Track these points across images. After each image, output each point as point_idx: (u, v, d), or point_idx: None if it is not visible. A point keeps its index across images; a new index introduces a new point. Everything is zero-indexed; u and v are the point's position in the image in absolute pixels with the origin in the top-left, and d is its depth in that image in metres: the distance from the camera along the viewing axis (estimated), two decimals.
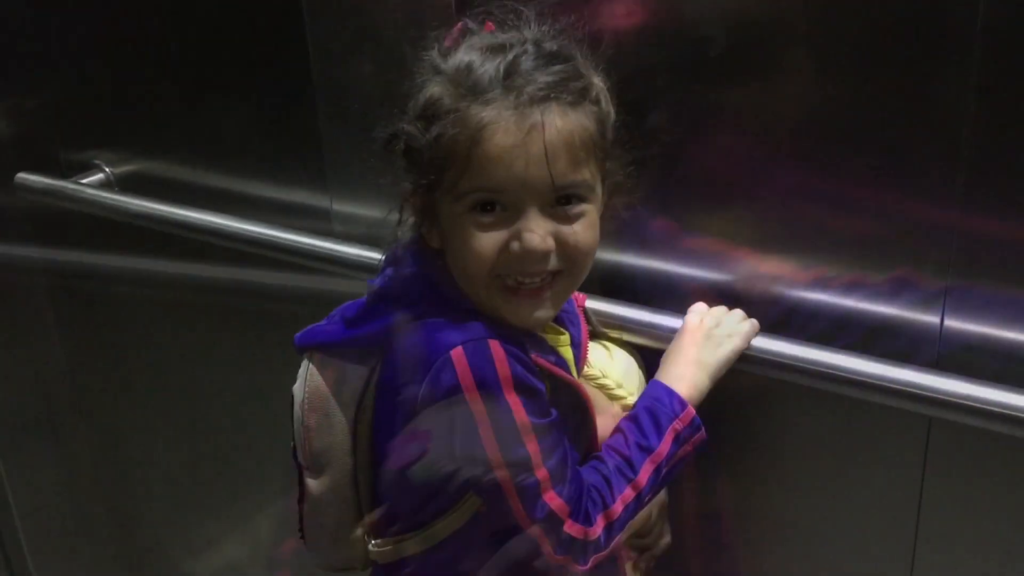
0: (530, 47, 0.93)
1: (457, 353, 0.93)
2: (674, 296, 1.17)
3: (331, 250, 1.37)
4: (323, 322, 1.06)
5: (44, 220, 1.81)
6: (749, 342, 1.08)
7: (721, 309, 1.11)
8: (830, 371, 1.05)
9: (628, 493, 1.00)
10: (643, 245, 1.20)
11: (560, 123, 0.90)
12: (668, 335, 1.11)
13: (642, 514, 1.08)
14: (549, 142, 0.90)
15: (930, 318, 1.06)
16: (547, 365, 0.98)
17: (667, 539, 1.21)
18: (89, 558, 2.16)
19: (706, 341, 1.08)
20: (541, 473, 0.95)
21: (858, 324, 1.09)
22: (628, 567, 1.16)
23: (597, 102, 0.95)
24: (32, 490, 2.04)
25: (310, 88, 1.35)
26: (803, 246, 1.11)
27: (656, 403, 1.04)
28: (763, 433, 1.22)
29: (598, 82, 0.96)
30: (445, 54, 0.95)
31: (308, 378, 1.05)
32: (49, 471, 2.06)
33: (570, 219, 0.94)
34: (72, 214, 1.67)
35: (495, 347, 0.93)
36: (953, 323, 1.05)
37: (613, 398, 1.11)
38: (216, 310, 1.71)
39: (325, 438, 1.04)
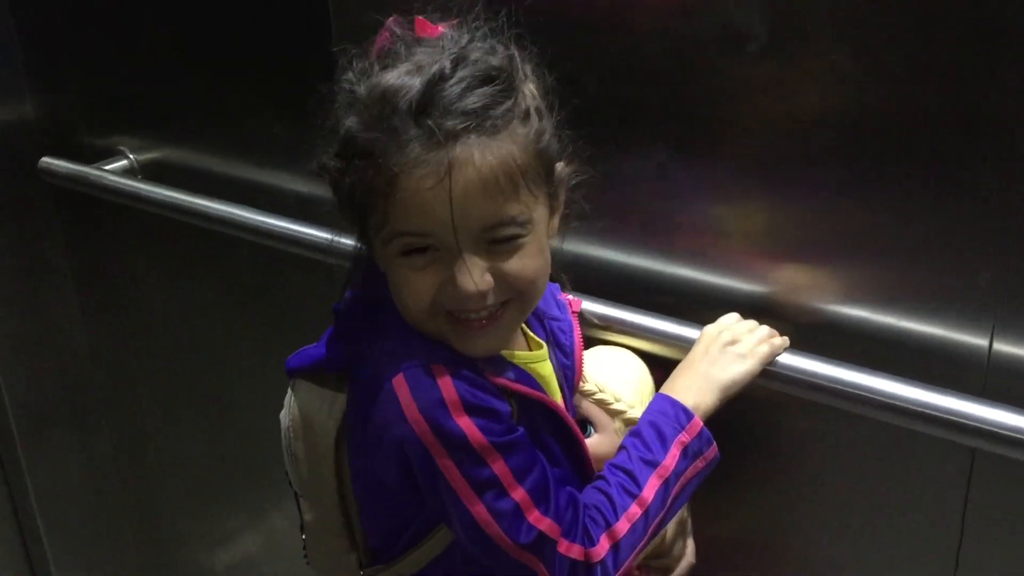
0: (448, 64, 0.85)
1: (398, 381, 0.89)
2: (709, 307, 1.10)
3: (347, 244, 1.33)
4: (312, 345, 1.02)
5: (71, 208, 1.82)
6: (765, 365, 1.02)
7: (745, 325, 1.05)
8: (863, 394, 0.98)
9: (634, 510, 0.94)
10: (675, 252, 1.14)
11: (479, 160, 0.83)
12: (687, 346, 1.05)
13: None
14: (467, 183, 0.83)
15: (978, 341, 0.98)
16: (505, 383, 0.93)
17: (689, 559, 1.14)
18: (109, 548, 2.15)
19: (720, 356, 1.02)
20: (518, 494, 0.89)
21: (901, 344, 1.02)
22: None
23: (526, 119, 0.87)
24: (53, 480, 2.03)
25: (331, 80, 1.32)
26: (845, 258, 1.04)
27: (660, 415, 0.98)
28: (795, 454, 1.16)
29: (530, 91, 0.89)
30: (362, 76, 0.88)
31: (291, 405, 1.03)
32: (71, 461, 2.05)
33: (509, 252, 0.88)
34: (98, 202, 1.66)
35: (438, 371, 0.89)
36: (1002, 347, 0.97)
37: (613, 413, 1.05)
38: (241, 301, 1.70)
39: (311, 466, 1.02)
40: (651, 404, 1.00)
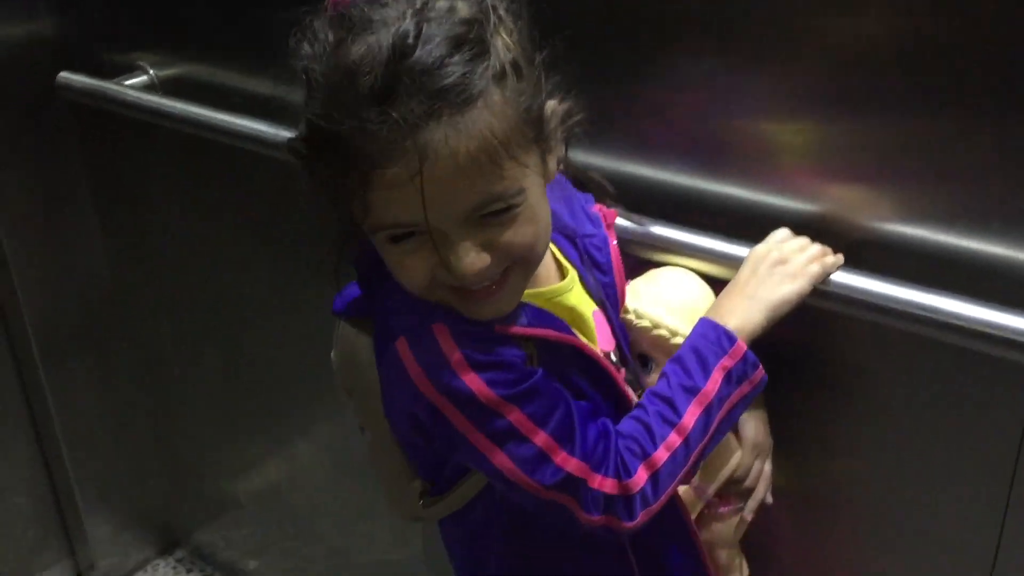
0: (412, 29, 0.77)
1: (401, 344, 0.88)
2: (760, 226, 1.06)
3: None
4: (356, 286, 0.99)
5: (89, 126, 1.79)
6: (815, 284, 0.98)
7: (796, 243, 1.01)
8: (923, 313, 0.94)
9: (673, 439, 0.92)
10: (722, 168, 1.10)
11: (454, 144, 0.77)
12: (736, 266, 1.02)
13: (729, 452, 1.03)
14: (443, 169, 0.78)
15: None
16: (518, 330, 0.90)
17: (767, 481, 1.13)
18: (132, 475, 2.17)
19: (768, 276, 0.98)
20: (540, 438, 0.88)
21: (961, 264, 0.98)
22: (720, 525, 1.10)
23: (503, 77, 0.80)
24: (75, 406, 2.04)
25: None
26: (902, 175, 0.99)
27: (701, 339, 0.95)
28: (844, 388, 1.12)
29: (503, 44, 0.81)
30: (323, 54, 0.81)
31: (340, 343, 1.01)
32: (93, 388, 2.06)
33: (501, 226, 0.83)
34: (117, 118, 1.63)
35: (439, 330, 0.87)
36: None
37: (672, 349, 1.00)
38: (262, 222, 1.67)
39: (362, 400, 1.01)
40: (695, 328, 0.97)
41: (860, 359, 1.10)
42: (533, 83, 0.83)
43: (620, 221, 1.08)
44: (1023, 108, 0.90)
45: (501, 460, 0.88)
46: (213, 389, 1.98)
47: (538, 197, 0.86)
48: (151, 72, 1.65)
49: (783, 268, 0.98)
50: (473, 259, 0.83)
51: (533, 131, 0.83)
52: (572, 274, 0.99)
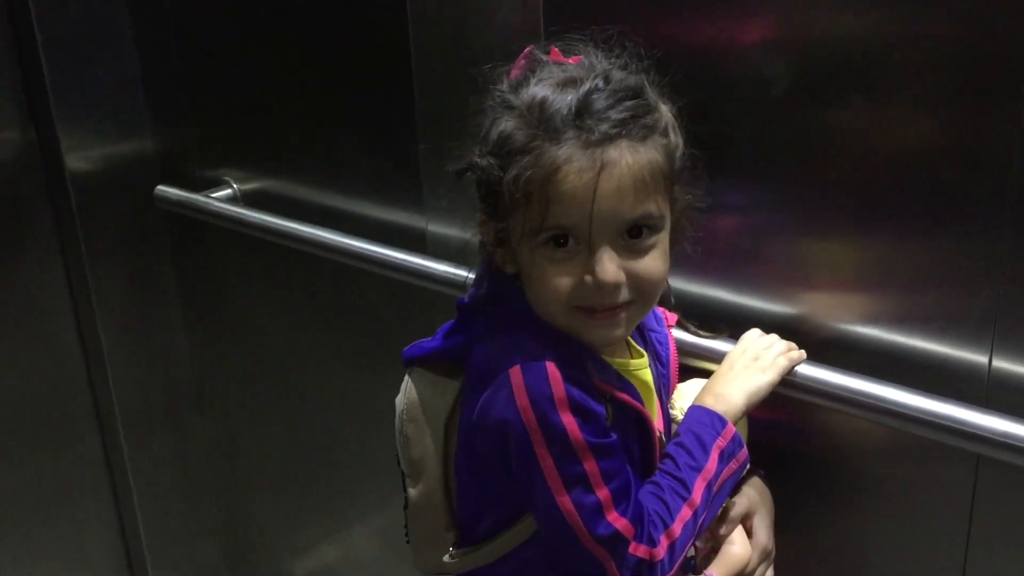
0: (600, 82, 0.95)
1: (515, 372, 0.97)
2: (727, 324, 1.21)
3: (422, 266, 1.47)
4: (427, 339, 1.12)
5: (180, 231, 1.98)
6: (783, 375, 1.12)
7: (767, 340, 1.15)
8: (873, 402, 1.08)
9: (685, 512, 1.01)
10: (702, 272, 1.26)
11: (630, 159, 0.93)
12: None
13: (741, 558, 1.11)
14: (620, 179, 0.93)
15: (979, 357, 1.08)
16: (609, 389, 1.01)
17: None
18: (199, 548, 2.28)
19: (743, 370, 1.11)
20: (602, 493, 0.96)
21: (908, 359, 1.13)
22: None
23: (665, 134, 0.97)
24: (152, 480, 2.17)
25: (412, 120, 1.46)
26: (859, 283, 1.15)
27: (698, 424, 1.07)
28: (809, 459, 1.26)
29: (666, 112, 0.99)
30: (516, 87, 0.98)
31: (407, 390, 1.12)
32: (169, 463, 2.18)
33: (641, 252, 0.97)
34: (204, 226, 1.83)
35: (551, 368, 0.96)
36: (1001, 363, 1.07)
37: None
38: (326, 318, 1.82)
39: (420, 448, 1.10)
40: (688, 414, 1.10)
41: (834, 447, 1.23)
42: (683, 153, 1.00)
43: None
44: (954, 224, 1.06)
45: (565, 501, 0.96)
46: (277, 472, 2.09)
47: (666, 244, 1.00)
48: (235, 186, 1.83)
49: (756, 363, 1.13)
50: (615, 271, 0.95)
51: (674, 185, 0.99)
52: (646, 356, 1.12)
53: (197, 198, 1.81)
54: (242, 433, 2.14)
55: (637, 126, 0.94)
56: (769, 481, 1.20)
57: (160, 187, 1.86)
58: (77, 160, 1.89)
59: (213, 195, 1.82)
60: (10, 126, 1.87)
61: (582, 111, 0.94)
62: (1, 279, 1.94)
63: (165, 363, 2.12)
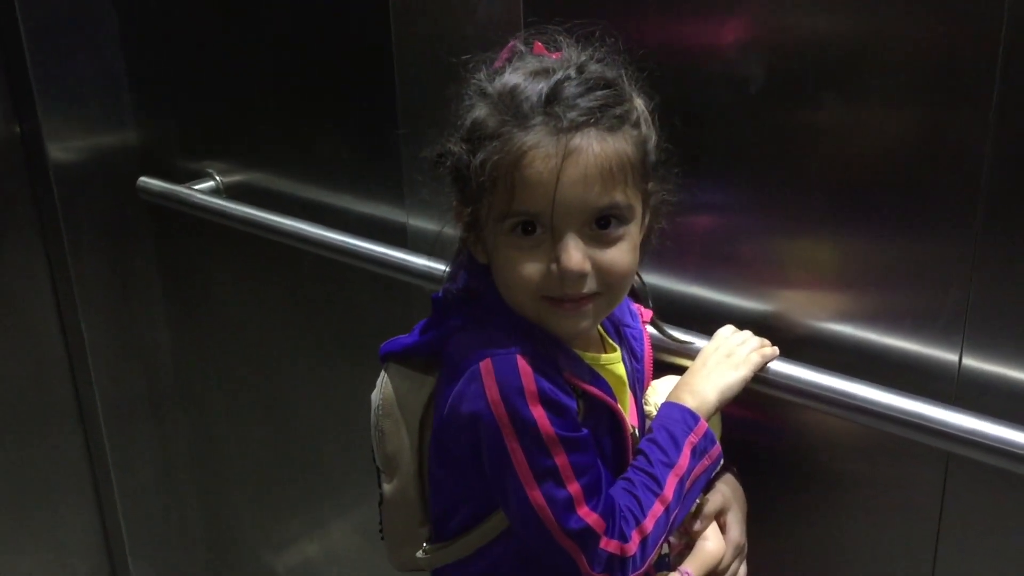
0: (573, 72, 0.95)
1: (486, 365, 0.97)
2: (702, 320, 1.22)
3: (402, 260, 1.48)
4: (404, 335, 1.12)
5: (163, 223, 1.99)
6: (756, 371, 1.12)
7: (740, 336, 1.16)
8: (844, 399, 1.09)
9: (657, 508, 1.02)
10: (677, 269, 1.27)
11: (598, 148, 0.93)
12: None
13: (715, 555, 1.12)
14: (586, 166, 0.93)
15: (949, 356, 1.09)
16: (580, 383, 1.01)
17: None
18: (179, 542, 2.28)
19: (716, 366, 1.12)
20: (573, 488, 0.97)
21: (880, 358, 1.13)
22: None
23: (637, 125, 0.97)
24: (134, 472, 2.17)
25: (394, 113, 1.47)
26: (832, 281, 1.16)
27: (670, 420, 1.07)
28: (783, 455, 1.27)
29: (640, 105, 0.99)
30: (492, 76, 0.98)
31: (383, 386, 1.12)
32: (150, 456, 2.19)
33: (608, 242, 0.96)
34: (187, 217, 1.83)
35: (521, 361, 0.97)
36: (970, 361, 1.08)
37: None
38: (306, 312, 1.83)
39: (395, 442, 1.11)
40: (661, 410, 1.10)
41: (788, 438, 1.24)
42: (654, 146, 1.00)
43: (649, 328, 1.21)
44: (924, 223, 1.07)
45: (536, 496, 0.96)
46: (258, 467, 2.10)
47: (635, 239, 0.99)
48: (218, 179, 1.84)
49: (729, 359, 1.13)
50: (580, 260, 0.94)
51: (645, 178, 0.99)
52: (619, 350, 1.13)
53: (179, 190, 1.81)
54: (223, 427, 2.14)
55: (607, 116, 0.95)
56: (742, 478, 1.21)
57: (143, 178, 1.86)
58: (60, 151, 1.89)
59: (196, 187, 1.82)
60: None
61: (552, 98, 0.94)
62: None
63: (147, 356, 2.12)
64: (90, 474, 2.17)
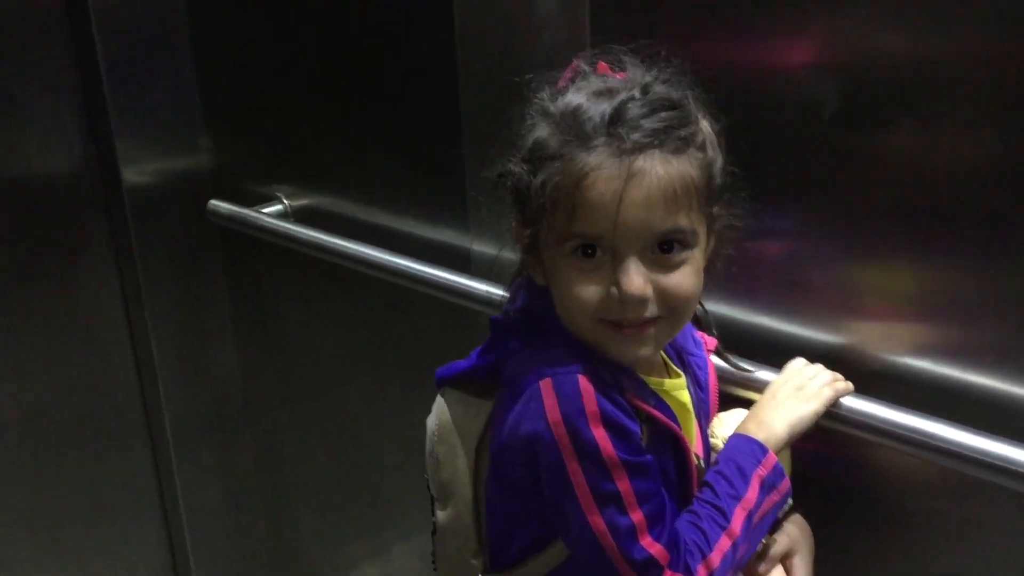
0: (637, 92, 0.93)
1: (546, 385, 0.95)
2: (771, 352, 1.18)
3: (465, 285, 1.47)
4: (461, 359, 1.11)
5: (232, 245, 2.02)
6: (828, 406, 1.08)
7: (811, 370, 1.12)
8: (921, 438, 1.04)
9: (724, 542, 0.98)
10: (749, 300, 1.23)
11: (662, 170, 0.91)
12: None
13: None
14: (649, 189, 0.91)
15: None
16: (644, 407, 0.98)
17: None
18: (243, 563, 2.29)
19: (787, 399, 1.09)
20: (636, 515, 0.94)
21: (960, 394, 1.08)
22: None
23: (703, 148, 0.95)
24: (200, 492, 2.19)
25: (459, 138, 1.46)
26: (911, 315, 1.11)
27: (738, 452, 1.04)
28: (855, 495, 1.22)
29: (706, 127, 0.97)
30: (555, 96, 0.97)
31: (439, 411, 1.11)
32: (216, 476, 2.21)
33: (670, 266, 0.94)
34: (255, 240, 1.85)
35: (583, 381, 0.94)
36: None
37: None
38: (371, 335, 1.83)
39: (450, 469, 1.09)
40: (729, 442, 1.07)
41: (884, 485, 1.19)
42: (720, 169, 0.97)
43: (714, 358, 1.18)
44: (1008, 258, 1.02)
45: (597, 522, 0.93)
46: (321, 488, 2.10)
47: (699, 263, 0.96)
48: (285, 202, 1.86)
49: (800, 393, 1.09)
50: (641, 284, 0.92)
51: (710, 202, 0.96)
52: (684, 377, 1.10)
53: (248, 213, 1.83)
54: (289, 447, 2.16)
55: (671, 137, 0.92)
56: (811, 518, 1.16)
57: (213, 201, 1.89)
58: (134, 174, 1.92)
59: (264, 210, 1.84)
60: (71, 141, 1.91)
61: (615, 119, 0.92)
62: (57, 289, 1.99)
63: (214, 376, 2.15)
64: (158, 492, 2.20)
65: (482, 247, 1.51)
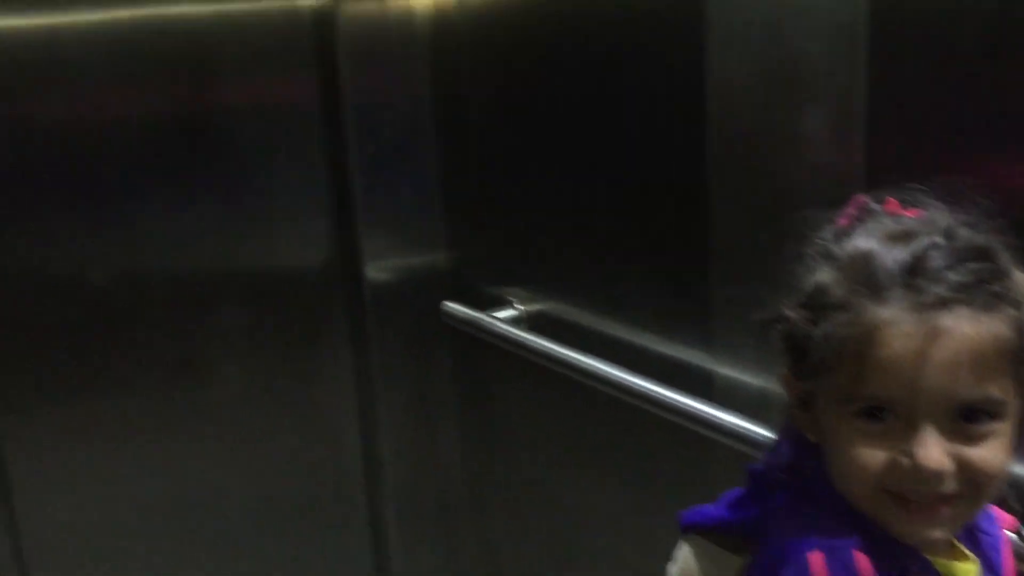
0: (940, 237, 0.82)
1: (815, 558, 0.84)
2: None
3: (706, 413, 1.38)
4: (710, 504, 1.01)
5: (462, 346, 2.02)
6: None
7: None
8: None
9: None
10: None
11: (969, 330, 0.79)
12: None
13: None
14: (955, 351, 0.79)
15: None
16: None
17: None
18: None
19: None
20: None
21: None
22: None
23: (1017, 305, 0.82)
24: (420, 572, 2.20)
25: (705, 257, 1.40)
26: None
27: None
28: None
29: (1020, 280, 0.84)
30: (839, 236, 0.87)
31: (684, 560, 1.03)
32: (434, 567, 2.21)
33: (974, 439, 0.81)
34: (485, 344, 1.85)
35: (861, 560, 0.83)
36: None
37: None
38: (600, 453, 1.78)
39: None
40: None
41: None
42: None
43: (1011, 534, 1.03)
44: None
45: None
46: None
47: (1010, 435, 0.85)
48: (519, 307, 1.85)
49: None
50: (939, 456, 0.80)
51: (1022, 368, 0.84)
52: (975, 561, 0.94)
53: (482, 317, 1.84)
54: (508, 551, 2.13)
55: (981, 292, 0.80)
56: None
57: (447, 303, 1.91)
58: (375, 271, 1.98)
59: (497, 315, 1.84)
60: (320, 237, 2.00)
61: (915, 269, 0.81)
62: (296, 378, 2.06)
63: (439, 474, 2.16)
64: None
65: (728, 371, 1.42)
